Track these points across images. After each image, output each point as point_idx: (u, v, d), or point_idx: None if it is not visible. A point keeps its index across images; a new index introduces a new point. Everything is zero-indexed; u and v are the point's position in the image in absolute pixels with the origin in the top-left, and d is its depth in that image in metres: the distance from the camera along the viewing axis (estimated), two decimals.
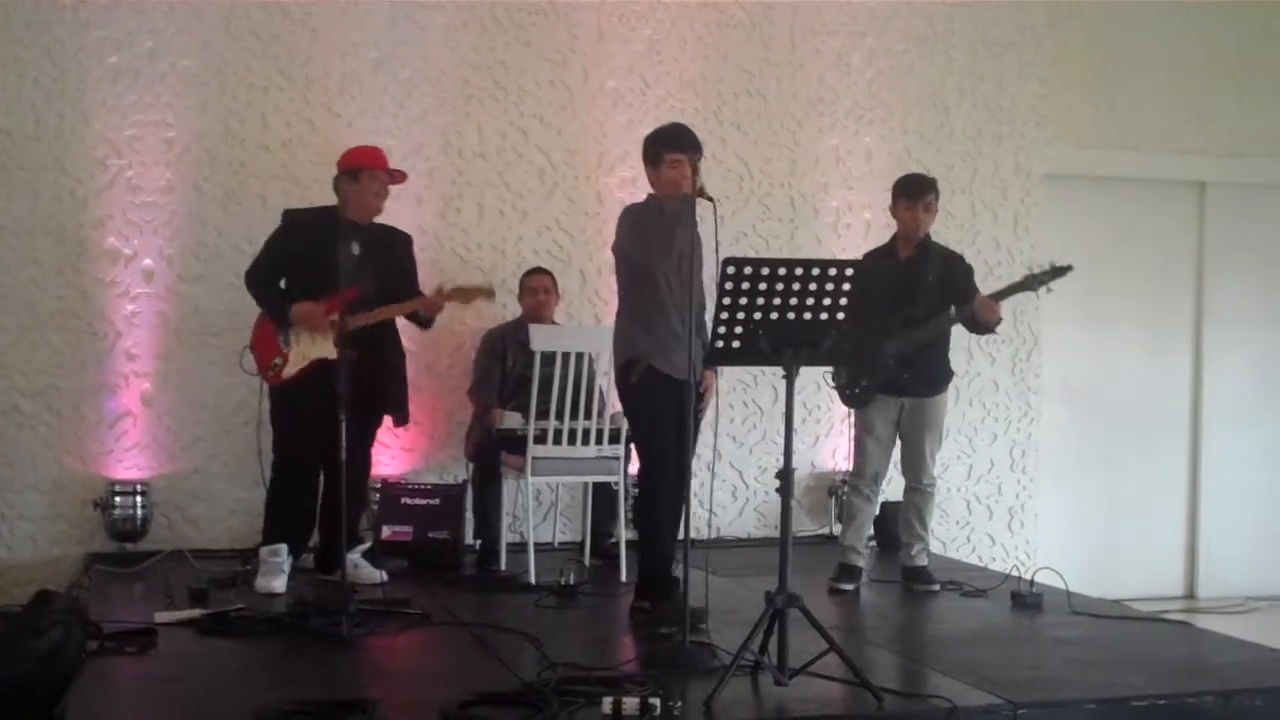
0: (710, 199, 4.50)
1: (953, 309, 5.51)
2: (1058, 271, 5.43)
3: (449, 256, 6.65)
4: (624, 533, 5.92)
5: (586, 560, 6.04)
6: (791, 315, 3.93)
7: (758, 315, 3.92)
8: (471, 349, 6.48)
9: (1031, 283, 5.47)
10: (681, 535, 4.46)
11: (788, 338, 3.95)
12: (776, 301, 3.91)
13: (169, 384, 6.32)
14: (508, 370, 6.27)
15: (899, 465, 5.85)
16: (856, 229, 7.17)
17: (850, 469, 6.06)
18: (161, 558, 6.01)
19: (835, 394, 5.89)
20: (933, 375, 5.67)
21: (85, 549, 6.12)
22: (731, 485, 7.07)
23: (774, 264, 3.91)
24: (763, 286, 3.89)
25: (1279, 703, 4.00)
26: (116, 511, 6.08)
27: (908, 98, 7.36)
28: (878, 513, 6.73)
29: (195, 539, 6.29)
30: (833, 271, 3.93)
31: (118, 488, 6.12)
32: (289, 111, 6.48)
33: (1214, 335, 7.89)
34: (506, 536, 6.11)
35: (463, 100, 6.72)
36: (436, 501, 6.15)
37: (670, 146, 4.83)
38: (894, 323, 5.45)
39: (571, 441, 5.71)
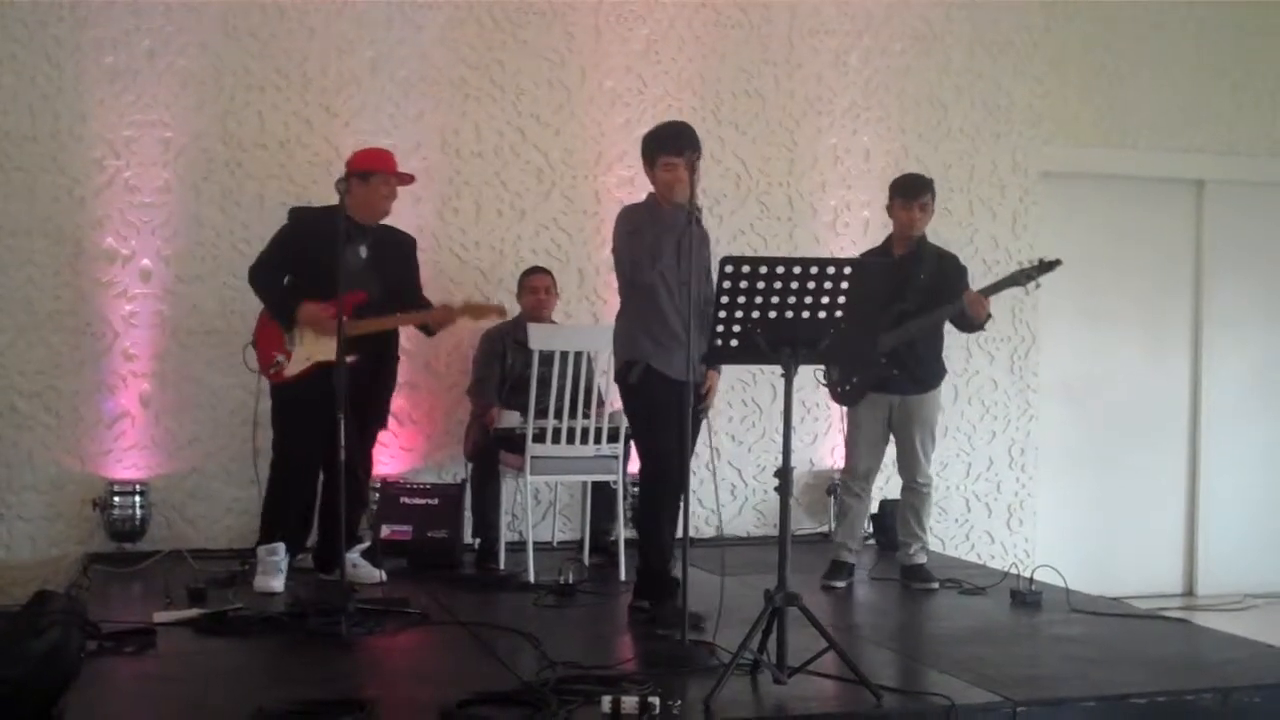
0: (696, 209, 4.56)
1: (947, 305, 5.53)
2: (1046, 267, 5.45)
3: (447, 256, 6.65)
4: (623, 531, 5.92)
5: (585, 559, 6.05)
6: (790, 314, 3.93)
7: (756, 314, 3.92)
8: (470, 348, 6.48)
9: (1020, 278, 5.49)
10: (682, 535, 4.47)
11: (786, 336, 3.95)
12: (775, 300, 3.91)
13: (167, 384, 6.32)
14: (507, 369, 6.27)
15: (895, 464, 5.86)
16: (854, 227, 7.18)
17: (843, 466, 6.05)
18: (160, 558, 6.02)
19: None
20: (923, 373, 5.68)
21: (84, 549, 6.12)
22: (730, 484, 7.07)
23: (772, 263, 3.91)
24: (761, 285, 3.89)
25: (1277, 700, 4.00)
26: (115, 511, 6.08)
27: (905, 97, 7.36)
28: (875, 510, 6.76)
29: (194, 539, 6.29)
30: (831, 270, 3.94)
31: (116, 488, 6.12)
32: (286, 111, 6.48)
33: (1212, 333, 7.89)
34: (505, 536, 6.11)
35: (460, 99, 6.72)
36: (435, 501, 6.15)
37: (665, 149, 4.81)
38: (886, 320, 5.46)
39: (570, 440, 5.71)
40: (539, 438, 5.67)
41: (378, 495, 6.15)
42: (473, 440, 6.24)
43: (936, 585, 5.70)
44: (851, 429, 5.81)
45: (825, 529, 7.01)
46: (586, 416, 5.73)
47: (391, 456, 6.54)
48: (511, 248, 6.76)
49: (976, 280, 5.96)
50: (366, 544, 5.75)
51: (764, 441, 7.10)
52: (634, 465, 5.71)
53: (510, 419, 5.88)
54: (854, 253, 6.44)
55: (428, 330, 5.76)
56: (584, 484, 6.26)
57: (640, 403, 4.91)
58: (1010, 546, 7.45)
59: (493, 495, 6.09)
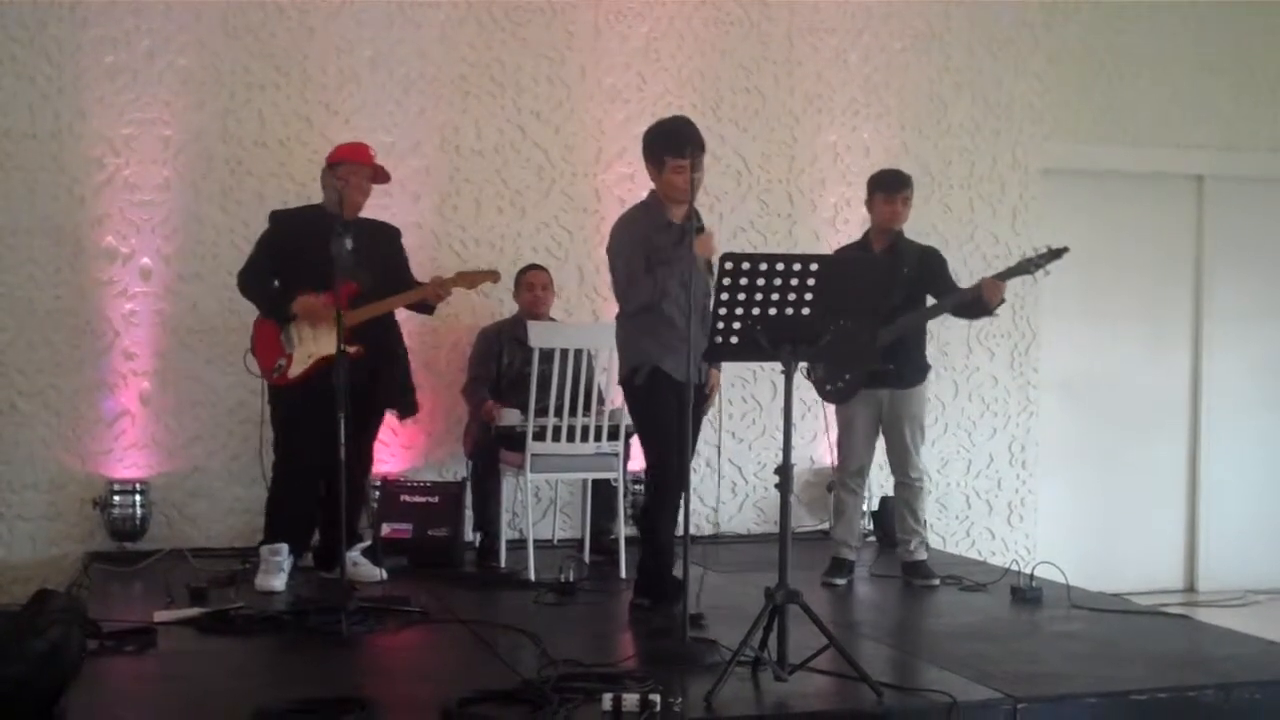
0: (700, 227, 4.68)
1: (965, 289, 5.63)
2: (1054, 254, 5.49)
3: (446, 253, 6.64)
4: (623, 529, 5.92)
5: (586, 557, 6.04)
6: (790, 311, 3.93)
7: (756, 311, 3.92)
8: (469, 346, 6.47)
9: (1029, 265, 5.54)
10: (685, 533, 4.46)
11: (786, 333, 3.94)
12: (775, 297, 3.91)
13: (167, 383, 6.32)
14: (504, 368, 6.27)
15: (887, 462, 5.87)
16: (855, 224, 7.16)
17: (835, 465, 6.03)
18: (161, 557, 6.01)
19: None
20: (912, 368, 5.72)
21: (85, 548, 6.12)
22: (731, 481, 7.07)
23: (772, 259, 3.91)
24: (761, 282, 3.88)
25: (1279, 696, 4.00)
26: (116, 510, 6.08)
27: (905, 93, 7.36)
28: (876, 507, 6.77)
29: (194, 538, 6.29)
30: (831, 267, 3.93)
31: (117, 487, 6.12)
32: (286, 109, 6.48)
33: (1212, 329, 7.88)
34: (506, 533, 6.10)
35: (460, 97, 6.71)
36: (436, 499, 6.15)
37: (674, 151, 4.78)
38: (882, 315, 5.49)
39: (570, 438, 5.70)
40: (539, 435, 5.67)
41: (378, 493, 6.15)
42: (473, 438, 6.24)
43: (937, 582, 5.70)
44: (844, 426, 5.81)
45: (825, 526, 7.00)
46: (587, 414, 5.72)
47: (392, 455, 6.54)
48: (511, 245, 6.76)
49: (958, 271, 5.97)
50: (367, 542, 5.75)
51: (764, 439, 7.10)
52: (634, 463, 5.73)
53: (510, 417, 5.88)
54: None
55: (428, 309, 5.74)
56: (584, 482, 6.25)
57: (645, 405, 4.89)
58: (1011, 543, 7.45)
59: (493, 493, 6.09)
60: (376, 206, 5.85)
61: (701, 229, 4.85)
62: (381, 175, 5.57)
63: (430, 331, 6.47)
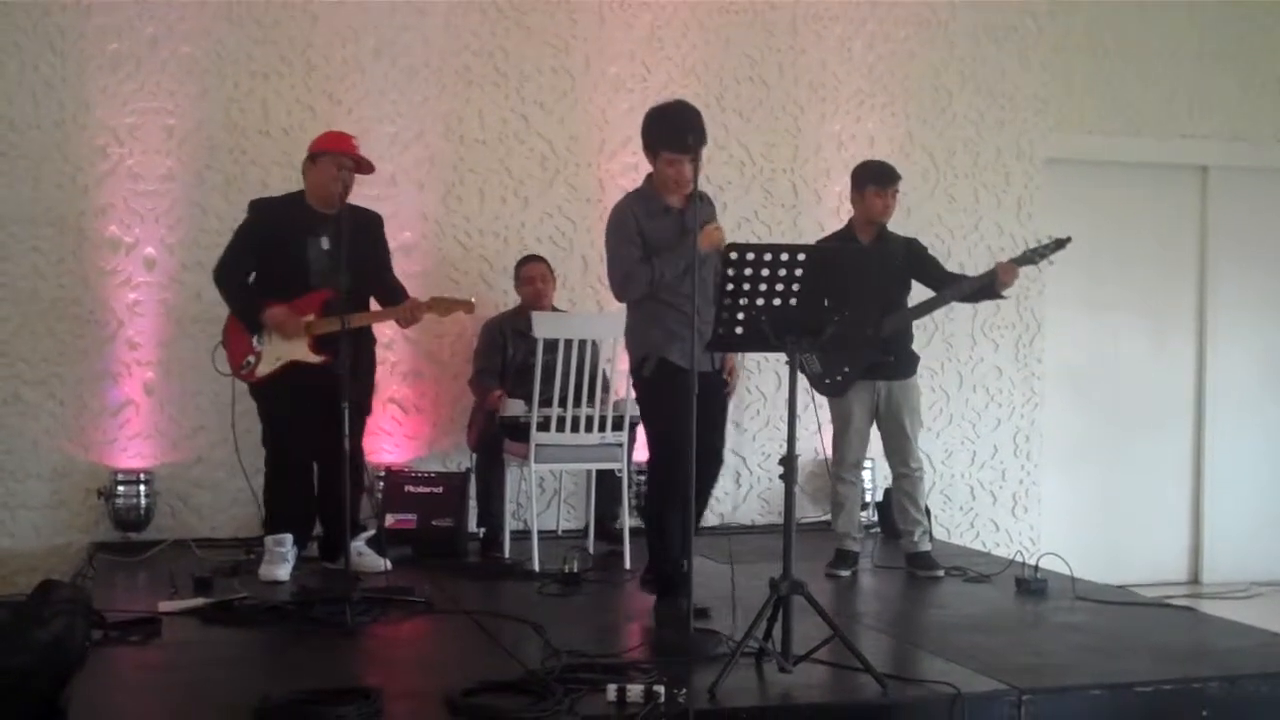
0: (707, 220, 4.59)
1: (975, 276, 5.68)
2: (1058, 244, 5.54)
3: (450, 243, 6.63)
4: (628, 519, 5.92)
5: (590, 547, 6.05)
6: (794, 301, 3.92)
7: (760, 301, 3.91)
8: (473, 336, 6.47)
9: (1033, 256, 5.59)
10: (699, 525, 4.43)
11: (790, 324, 3.94)
12: (779, 288, 3.89)
13: (171, 372, 6.32)
14: (509, 359, 6.26)
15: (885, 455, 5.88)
16: None
17: (831, 458, 6.01)
18: (165, 547, 6.02)
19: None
20: (906, 358, 5.76)
21: (89, 538, 6.12)
22: (735, 472, 7.06)
23: (776, 250, 3.90)
24: (765, 273, 3.88)
25: None
26: (120, 501, 6.09)
27: (910, 83, 7.34)
28: (881, 499, 6.76)
29: (199, 528, 6.29)
30: (835, 258, 3.92)
31: (121, 477, 6.13)
32: (290, 98, 6.47)
33: (1217, 319, 7.87)
34: (510, 524, 6.11)
35: (464, 86, 6.70)
36: (440, 489, 6.14)
37: (669, 145, 4.57)
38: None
39: (575, 429, 5.70)
40: (544, 426, 5.66)
41: (383, 484, 6.15)
42: (477, 429, 6.24)
43: (941, 573, 5.70)
44: (840, 420, 5.81)
45: (829, 517, 7.00)
46: (591, 404, 5.72)
47: (396, 445, 6.54)
48: (515, 235, 6.74)
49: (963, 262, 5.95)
50: (371, 532, 5.75)
51: (768, 429, 7.10)
52: (639, 454, 5.73)
53: (515, 407, 5.87)
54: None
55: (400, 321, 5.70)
56: (589, 472, 6.25)
57: (652, 396, 4.83)
58: (1015, 534, 7.44)
59: (497, 483, 6.09)
60: (380, 196, 5.84)
61: (709, 221, 4.74)
62: (365, 166, 5.46)
63: (435, 321, 6.44)
